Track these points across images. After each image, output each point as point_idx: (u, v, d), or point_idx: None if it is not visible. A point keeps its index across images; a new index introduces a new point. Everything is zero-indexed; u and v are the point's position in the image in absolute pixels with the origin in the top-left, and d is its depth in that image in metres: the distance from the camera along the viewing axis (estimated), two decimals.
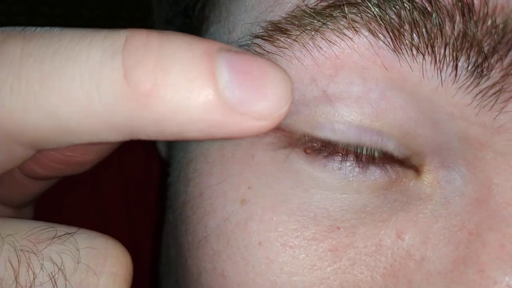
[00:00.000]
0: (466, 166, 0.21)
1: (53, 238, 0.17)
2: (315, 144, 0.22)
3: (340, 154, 0.22)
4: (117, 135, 0.16)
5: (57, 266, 0.17)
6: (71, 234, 0.17)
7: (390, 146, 0.22)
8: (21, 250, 0.17)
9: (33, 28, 0.16)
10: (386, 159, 0.22)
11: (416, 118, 0.21)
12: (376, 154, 0.22)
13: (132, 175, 0.44)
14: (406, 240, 0.21)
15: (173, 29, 0.32)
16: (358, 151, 0.21)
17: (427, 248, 0.21)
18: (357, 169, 0.21)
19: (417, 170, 0.22)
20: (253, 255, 0.22)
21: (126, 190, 0.43)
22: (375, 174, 0.22)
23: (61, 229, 0.18)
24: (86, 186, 0.42)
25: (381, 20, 0.19)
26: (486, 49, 0.19)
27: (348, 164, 0.21)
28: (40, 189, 0.25)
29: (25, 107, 0.15)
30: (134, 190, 0.43)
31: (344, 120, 0.21)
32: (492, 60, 0.19)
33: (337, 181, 0.22)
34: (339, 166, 0.21)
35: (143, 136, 0.16)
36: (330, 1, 0.20)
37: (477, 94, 0.20)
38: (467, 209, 0.21)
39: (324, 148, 0.22)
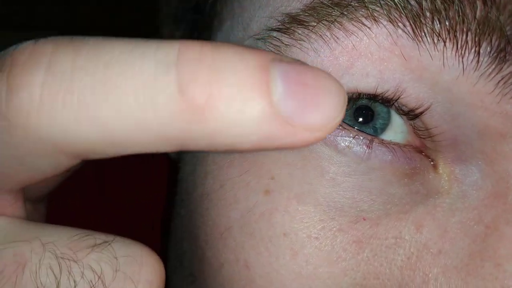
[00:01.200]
0: (484, 160, 0.21)
1: (93, 247, 0.17)
2: None
3: (347, 131, 0.22)
4: (167, 147, 0.16)
5: (97, 275, 0.17)
6: (109, 242, 0.18)
7: (392, 134, 0.22)
8: (62, 258, 0.17)
9: (83, 38, 0.15)
10: (402, 144, 0.22)
11: (433, 112, 0.21)
12: (373, 133, 0.22)
13: (137, 172, 0.43)
14: (424, 233, 0.21)
15: (183, 26, 0.32)
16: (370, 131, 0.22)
17: (444, 241, 0.21)
18: (366, 149, 0.21)
19: (433, 164, 0.22)
20: (278, 246, 0.22)
21: (130, 188, 0.43)
22: (396, 157, 0.22)
23: (99, 237, 0.18)
24: (90, 183, 0.42)
25: (402, 9, 0.19)
26: (509, 33, 0.19)
27: (358, 142, 0.22)
28: (60, 180, 0.25)
29: (76, 121, 0.15)
30: (139, 188, 0.43)
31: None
32: None
33: (356, 163, 0.21)
34: (348, 144, 0.21)
35: (192, 148, 0.16)
36: None
37: (499, 81, 0.20)
38: (484, 203, 0.21)
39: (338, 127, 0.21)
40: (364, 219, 0.22)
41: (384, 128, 0.22)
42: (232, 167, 0.23)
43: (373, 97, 0.21)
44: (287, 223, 0.22)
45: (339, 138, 0.22)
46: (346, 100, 0.16)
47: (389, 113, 0.22)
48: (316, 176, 0.22)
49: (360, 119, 0.22)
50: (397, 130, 0.22)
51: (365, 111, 0.22)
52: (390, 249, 0.21)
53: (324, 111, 0.15)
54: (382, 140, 0.22)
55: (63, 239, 0.17)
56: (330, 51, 0.20)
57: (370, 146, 0.21)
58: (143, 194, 0.43)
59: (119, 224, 0.41)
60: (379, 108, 0.22)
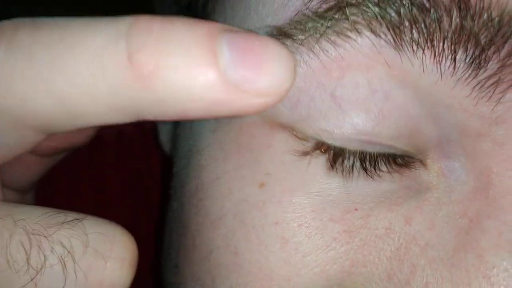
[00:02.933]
0: (465, 156, 0.22)
1: (63, 223, 0.18)
2: (326, 146, 0.23)
3: (346, 161, 0.22)
4: (121, 117, 0.17)
5: (67, 249, 0.17)
6: (80, 219, 0.18)
7: (394, 150, 0.22)
8: (33, 233, 0.17)
9: (43, 18, 0.17)
10: (391, 160, 0.23)
11: (418, 115, 0.21)
12: (381, 161, 0.23)
13: (130, 166, 0.44)
14: (413, 226, 0.22)
15: None
16: (363, 157, 0.22)
17: (432, 234, 0.22)
18: (362, 175, 0.22)
19: (422, 162, 0.23)
20: (269, 234, 0.23)
21: (124, 182, 0.43)
22: (382, 173, 0.23)
23: (70, 215, 0.18)
24: (85, 179, 0.42)
25: (382, 19, 0.20)
26: (483, 41, 0.20)
27: (354, 170, 0.22)
28: (44, 168, 0.26)
29: (35, 92, 0.16)
30: (133, 182, 0.43)
31: (351, 125, 0.22)
32: (489, 52, 0.20)
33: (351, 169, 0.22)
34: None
35: (148, 116, 0.17)
36: (331, 4, 0.20)
37: (475, 86, 0.20)
38: (468, 197, 0.22)
39: (335, 152, 0.22)
40: (356, 210, 0.22)
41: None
42: (228, 161, 0.24)
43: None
44: (280, 212, 0.23)
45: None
46: (295, 66, 0.16)
47: None
48: (311, 173, 0.23)
49: None
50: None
51: None
52: (380, 239, 0.22)
53: (272, 76, 0.16)
54: (363, 161, 0.22)
55: (34, 217, 0.18)
56: (321, 64, 0.21)
57: (366, 142, 0.22)
58: (138, 191, 0.44)
59: (116, 218, 0.42)
60: None
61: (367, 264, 0.22)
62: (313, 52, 0.21)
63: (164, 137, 0.39)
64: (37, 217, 0.18)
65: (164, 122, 0.37)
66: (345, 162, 0.22)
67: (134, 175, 0.44)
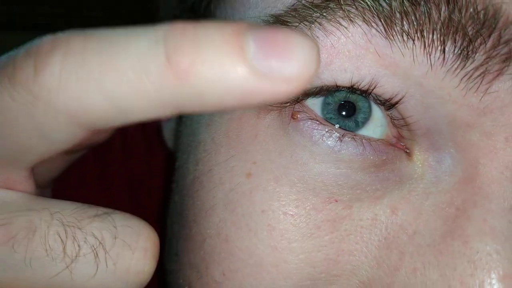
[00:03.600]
0: (455, 148, 0.23)
1: (94, 217, 0.20)
2: (301, 109, 0.24)
3: (323, 125, 0.24)
4: (164, 111, 0.18)
5: (98, 240, 0.19)
6: (109, 213, 0.20)
7: (372, 128, 0.24)
8: (68, 225, 0.19)
9: (90, 30, 0.18)
10: (374, 139, 0.24)
11: (407, 103, 0.22)
12: (355, 128, 0.24)
13: (136, 164, 0.45)
14: (399, 215, 0.23)
15: None
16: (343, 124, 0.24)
17: (419, 223, 0.23)
18: (338, 142, 0.23)
19: (408, 152, 0.24)
20: (256, 222, 0.24)
21: (131, 179, 0.44)
22: (365, 151, 0.23)
23: (101, 209, 0.20)
24: (91, 175, 0.43)
25: (375, 10, 0.21)
26: (470, 33, 0.21)
27: (331, 135, 0.23)
28: (65, 165, 0.27)
29: (88, 91, 0.17)
30: (139, 179, 0.44)
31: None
32: (476, 43, 0.21)
33: (327, 154, 0.23)
34: (322, 136, 0.24)
35: (187, 109, 0.18)
36: None
37: (464, 76, 0.22)
38: (455, 187, 0.23)
39: (310, 118, 0.24)
40: (336, 201, 0.23)
41: (365, 121, 0.24)
42: (219, 154, 0.26)
43: (351, 89, 0.23)
44: (265, 201, 0.24)
45: (315, 131, 0.24)
46: (318, 51, 0.17)
47: (370, 108, 0.24)
48: (291, 161, 0.24)
49: (344, 113, 0.24)
50: (377, 123, 0.24)
51: (348, 106, 0.24)
52: (366, 230, 0.23)
53: (297, 62, 0.17)
54: (354, 135, 0.24)
55: (69, 210, 0.20)
56: None
57: (341, 139, 0.23)
58: (142, 187, 0.45)
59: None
60: (360, 103, 0.24)
61: (354, 253, 0.23)
62: None
63: (168, 133, 0.40)
64: (71, 211, 0.20)
65: (168, 120, 0.38)
66: (316, 133, 0.24)
67: (138, 171, 0.45)
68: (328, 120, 0.24)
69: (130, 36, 0.18)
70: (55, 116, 0.18)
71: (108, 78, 0.17)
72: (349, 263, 0.23)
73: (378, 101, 0.23)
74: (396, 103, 0.23)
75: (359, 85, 0.22)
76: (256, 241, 0.24)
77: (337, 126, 0.24)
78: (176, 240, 0.29)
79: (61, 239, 0.19)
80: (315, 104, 0.24)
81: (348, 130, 0.24)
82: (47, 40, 0.18)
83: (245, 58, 0.17)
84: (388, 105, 0.23)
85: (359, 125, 0.24)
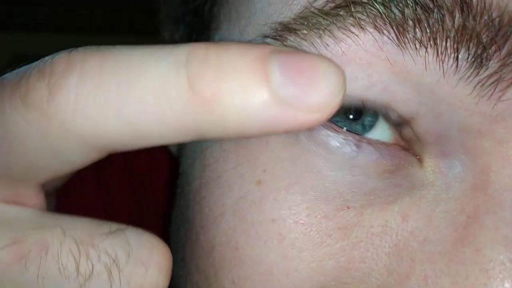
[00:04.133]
0: (466, 154, 0.22)
1: (108, 233, 0.19)
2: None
3: (338, 132, 0.23)
4: (184, 138, 0.18)
5: (112, 258, 0.19)
6: (123, 230, 0.20)
7: (380, 131, 0.23)
8: (80, 243, 0.19)
9: (107, 47, 0.18)
10: (388, 143, 0.23)
11: (418, 110, 0.22)
12: (362, 131, 0.23)
13: (137, 167, 0.45)
14: (410, 222, 0.23)
15: (182, 28, 0.33)
16: (358, 130, 0.23)
17: (429, 230, 0.22)
18: (354, 148, 0.23)
19: (419, 158, 0.23)
20: (267, 230, 0.23)
21: (131, 183, 0.44)
22: (380, 155, 0.23)
23: (114, 226, 0.20)
24: (90, 179, 0.42)
25: (386, 17, 0.20)
26: (484, 40, 0.20)
27: (347, 142, 0.23)
28: (71, 173, 0.27)
29: (104, 117, 0.17)
30: (140, 182, 0.44)
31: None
32: (490, 51, 0.20)
33: (343, 161, 0.23)
34: (339, 144, 0.23)
35: (207, 137, 0.18)
36: (337, 2, 0.21)
37: (477, 84, 0.21)
38: (466, 194, 0.22)
39: (324, 126, 0.23)
40: (348, 208, 0.23)
41: (372, 125, 0.24)
42: (228, 160, 0.25)
43: (362, 108, 0.23)
44: (276, 210, 0.23)
45: (330, 138, 0.23)
46: (345, 82, 0.17)
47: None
48: (304, 170, 0.23)
49: (350, 116, 0.24)
50: (384, 127, 0.24)
51: (354, 109, 0.24)
52: (376, 237, 0.23)
53: (322, 92, 0.17)
54: (369, 140, 0.23)
55: (81, 227, 0.19)
56: None
57: (359, 146, 0.23)
58: (145, 189, 0.44)
59: (122, 217, 0.42)
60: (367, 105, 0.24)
61: (365, 260, 0.23)
62: (314, 46, 0.21)
63: None
64: (83, 227, 0.19)
65: None
66: (332, 142, 0.23)
67: (139, 173, 0.44)
68: (335, 123, 0.23)
69: (149, 57, 0.17)
70: (69, 139, 0.18)
71: (127, 103, 0.17)
72: (360, 271, 0.23)
73: (391, 121, 0.23)
74: (407, 123, 0.23)
75: (373, 103, 0.22)
76: (266, 250, 0.23)
77: (344, 128, 0.23)
78: (182, 245, 0.29)
79: (74, 257, 0.19)
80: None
81: (360, 135, 0.23)
82: (61, 59, 0.18)
83: (270, 86, 0.17)
84: (399, 123, 0.23)
85: (366, 128, 0.24)
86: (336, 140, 0.23)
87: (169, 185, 0.42)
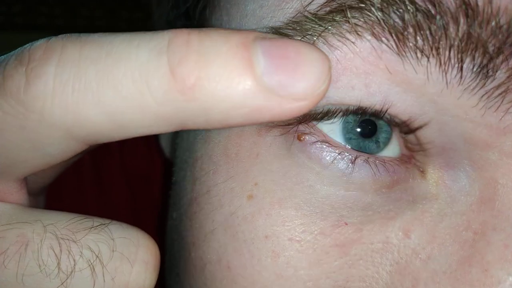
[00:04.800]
0: (471, 166, 0.21)
1: (90, 228, 0.18)
2: (308, 131, 0.22)
3: (334, 147, 0.22)
4: (167, 127, 0.17)
5: (95, 254, 0.18)
6: (106, 224, 0.19)
7: (392, 147, 0.22)
8: (62, 238, 0.18)
9: (88, 34, 0.17)
10: (388, 159, 0.22)
11: (421, 121, 0.21)
12: (376, 149, 0.22)
13: (134, 168, 0.44)
14: (412, 239, 0.21)
15: None
16: (353, 146, 0.22)
17: (433, 247, 0.21)
18: (350, 165, 0.22)
19: (421, 170, 0.22)
20: (259, 248, 0.22)
21: (128, 184, 0.43)
22: (378, 172, 0.22)
23: (97, 220, 0.19)
24: (88, 180, 0.42)
25: (385, 24, 0.19)
26: (491, 49, 0.19)
27: (343, 158, 0.22)
28: (60, 170, 0.26)
29: (84, 105, 0.16)
30: (137, 184, 0.43)
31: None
32: (497, 61, 0.19)
33: (337, 177, 0.22)
34: (333, 160, 0.22)
35: (191, 126, 0.17)
36: (333, 7, 0.20)
37: (483, 95, 0.20)
38: (472, 208, 0.21)
39: (319, 141, 0.22)
40: (346, 224, 0.22)
41: (387, 142, 0.22)
42: (218, 173, 0.24)
43: (362, 112, 0.21)
44: (269, 226, 0.22)
45: (324, 152, 0.22)
46: (330, 68, 0.16)
47: (390, 126, 0.22)
48: (296, 183, 0.22)
49: (364, 133, 0.22)
50: (395, 143, 0.23)
51: (370, 126, 0.22)
52: (377, 254, 0.22)
53: (307, 80, 0.16)
54: (368, 157, 0.22)
55: (63, 222, 0.18)
56: None
57: (354, 162, 0.22)
58: (141, 191, 0.44)
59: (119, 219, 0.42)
60: (381, 122, 0.22)
61: (365, 279, 0.22)
62: None
63: (164, 142, 0.39)
64: (65, 223, 0.18)
65: None
66: (325, 156, 0.22)
67: (137, 176, 0.44)
68: (348, 139, 0.22)
69: (130, 44, 0.16)
70: (48, 130, 0.17)
71: (106, 91, 0.16)
72: None
73: (394, 123, 0.21)
74: (417, 128, 0.21)
75: (372, 107, 0.21)
76: (260, 268, 0.22)
77: (348, 146, 0.22)
78: (176, 260, 0.28)
79: (55, 254, 0.18)
80: (333, 123, 0.22)
81: (361, 151, 0.22)
82: (39, 46, 0.17)
83: (254, 73, 0.16)
84: (406, 129, 0.21)
85: (380, 146, 0.22)
86: (331, 155, 0.22)
87: (163, 192, 0.42)
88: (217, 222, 0.23)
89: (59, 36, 0.17)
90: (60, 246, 0.18)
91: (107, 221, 0.19)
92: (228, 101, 0.16)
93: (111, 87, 0.16)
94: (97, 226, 0.18)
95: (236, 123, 0.17)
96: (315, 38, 0.20)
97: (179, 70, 0.16)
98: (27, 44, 0.17)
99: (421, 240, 0.21)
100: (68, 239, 0.18)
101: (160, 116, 0.16)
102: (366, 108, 0.21)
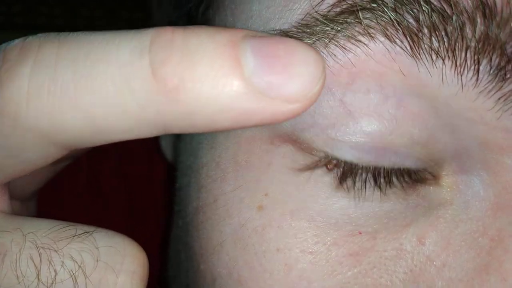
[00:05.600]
0: (486, 171, 0.20)
1: (73, 237, 0.17)
2: (335, 161, 0.21)
3: (358, 178, 0.21)
4: (150, 131, 0.16)
5: (77, 264, 0.17)
6: (90, 232, 0.18)
7: (408, 162, 0.21)
8: (42, 247, 0.17)
9: (67, 33, 0.16)
10: (405, 175, 0.21)
11: (434, 124, 0.20)
12: (394, 176, 0.21)
13: (132, 171, 0.43)
14: (426, 245, 0.21)
15: None
16: (376, 174, 0.21)
17: (448, 254, 0.21)
18: (377, 192, 0.21)
19: (435, 175, 0.21)
20: (271, 261, 0.21)
21: (126, 188, 0.42)
22: (395, 189, 0.21)
23: (80, 228, 0.18)
24: (84, 184, 0.41)
25: (398, 25, 0.18)
26: (509, 51, 0.18)
27: (367, 187, 0.21)
28: (48, 176, 0.25)
29: (61, 109, 0.15)
30: (135, 188, 0.42)
31: (363, 133, 0.20)
32: None
33: (355, 192, 0.21)
34: (359, 188, 0.21)
35: (175, 130, 0.16)
36: (344, 7, 0.19)
37: (499, 98, 0.19)
38: (488, 214, 0.20)
39: (344, 169, 0.21)
40: (360, 233, 0.21)
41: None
42: (226, 181, 0.23)
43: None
44: (281, 238, 0.21)
45: (346, 176, 0.21)
46: (324, 68, 0.15)
47: None
48: (311, 195, 0.21)
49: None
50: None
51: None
52: (391, 261, 0.21)
53: (300, 81, 0.15)
54: (375, 177, 0.21)
55: (44, 230, 0.17)
56: (328, 69, 0.20)
57: (363, 183, 0.21)
58: (140, 196, 0.43)
59: (116, 223, 0.41)
60: None
61: (379, 287, 0.21)
62: None
63: (166, 145, 0.38)
64: (47, 231, 0.17)
65: None
66: (357, 178, 0.21)
67: (135, 180, 0.43)
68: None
69: (110, 43, 0.15)
70: (24, 134, 0.16)
71: (85, 94, 0.15)
72: None
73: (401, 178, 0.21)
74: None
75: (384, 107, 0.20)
76: (272, 282, 0.21)
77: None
78: (185, 271, 0.27)
79: (35, 264, 0.17)
80: None
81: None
82: (15, 45, 0.16)
83: (242, 74, 0.15)
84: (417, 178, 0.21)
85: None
86: (352, 180, 0.21)
87: (166, 196, 0.41)
88: (226, 234, 0.22)
89: (37, 35, 0.16)
90: (40, 256, 0.17)
91: (91, 228, 0.18)
92: (214, 103, 0.15)
93: (90, 90, 0.15)
94: (80, 234, 0.18)
95: (224, 127, 0.16)
96: (326, 41, 0.19)
97: (161, 71, 0.15)
98: (4, 44, 0.17)
99: (435, 247, 0.21)
100: (49, 248, 0.17)
101: (143, 120, 0.16)
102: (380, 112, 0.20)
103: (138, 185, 0.43)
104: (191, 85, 0.15)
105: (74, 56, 0.15)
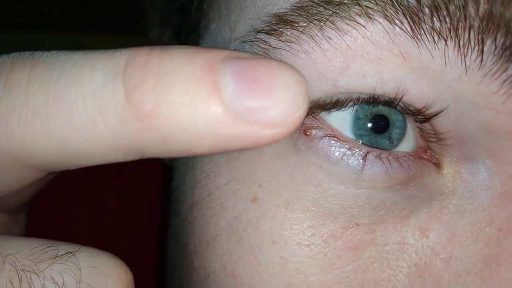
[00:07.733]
0: (491, 158, 0.20)
1: (55, 258, 0.17)
2: (315, 124, 0.21)
3: (343, 142, 0.20)
4: (125, 156, 0.16)
5: (59, 286, 0.16)
6: (73, 253, 0.17)
7: (406, 143, 0.20)
8: (22, 270, 0.16)
9: (41, 53, 0.16)
10: (402, 154, 0.21)
11: (436, 108, 0.20)
12: (389, 145, 0.20)
13: (130, 176, 0.43)
14: (431, 238, 0.20)
15: (169, 29, 0.31)
16: (365, 141, 0.20)
17: (454, 246, 0.20)
18: (361, 161, 0.20)
19: (437, 164, 0.21)
20: (266, 254, 0.21)
21: (121, 193, 0.42)
22: (391, 168, 0.20)
23: (63, 248, 0.17)
24: (79, 191, 0.41)
25: (398, 5, 0.18)
26: None
27: (353, 153, 0.20)
28: (37, 188, 0.24)
29: (33, 134, 0.15)
30: (130, 193, 0.42)
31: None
32: None
33: (347, 174, 0.20)
34: (342, 156, 0.20)
35: (152, 155, 0.16)
36: None
37: (505, 80, 0.18)
38: (494, 203, 0.20)
39: (327, 135, 0.21)
40: (358, 225, 0.20)
41: (400, 138, 0.21)
42: (219, 175, 0.23)
43: (374, 100, 0.20)
44: (276, 230, 0.21)
45: (332, 148, 0.21)
46: (307, 92, 0.15)
47: (404, 121, 0.21)
48: (304, 183, 0.21)
49: (376, 129, 0.21)
50: (410, 139, 0.21)
51: (382, 121, 0.21)
52: (393, 255, 0.20)
53: (281, 105, 0.14)
54: (380, 153, 0.21)
55: (25, 251, 0.17)
56: (323, 53, 0.19)
57: (365, 158, 0.20)
58: (137, 201, 0.43)
59: (110, 229, 0.41)
60: (394, 117, 0.21)
61: (381, 283, 0.20)
62: (314, 40, 0.19)
63: None
64: (27, 252, 0.17)
65: None
66: (334, 152, 0.21)
67: (132, 185, 0.43)
68: (358, 137, 0.21)
69: (84, 65, 0.15)
70: None
71: (57, 119, 0.15)
72: None
73: (408, 111, 0.20)
74: (433, 116, 0.20)
75: (385, 95, 0.19)
76: (267, 276, 0.21)
77: (360, 142, 0.21)
78: (179, 270, 0.27)
79: None
80: (343, 119, 0.21)
81: (373, 147, 0.21)
82: None
83: (220, 98, 0.14)
84: (422, 118, 0.20)
85: (393, 141, 0.21)
86: (340, 150, 0.20)
87: (163, 199, 0.41)
88: (220, 228, 0.22)
89: (10, 55, 0.16)
90: (20, 279, 0.16)
91: (75, 248, 0.17)
92: (190, 129, 0.15)
93: (62, 114, 0.15)
94: (63, 255, 0.17)
95: (202, 152, 0.15)
96: (322, 23, 0.19)
97: (134, 95, 0.14)
98: None
99: (440, 239, 0.20)
100: (29, 271, 0.16)
101: (115, 146, 0.15)
102: (378, 96, 0.19)
103: (136, 191, 0.43)
104: (166, 110, 0.14)
105: (46, 79, 0.15)
